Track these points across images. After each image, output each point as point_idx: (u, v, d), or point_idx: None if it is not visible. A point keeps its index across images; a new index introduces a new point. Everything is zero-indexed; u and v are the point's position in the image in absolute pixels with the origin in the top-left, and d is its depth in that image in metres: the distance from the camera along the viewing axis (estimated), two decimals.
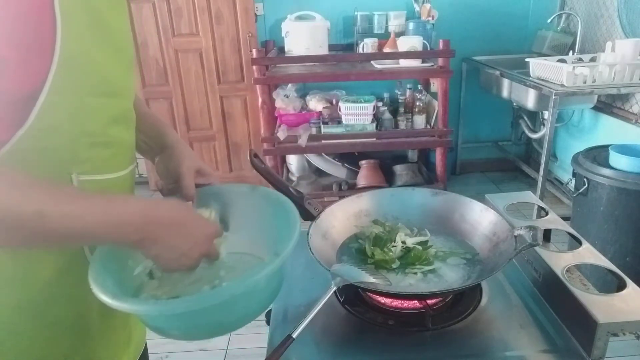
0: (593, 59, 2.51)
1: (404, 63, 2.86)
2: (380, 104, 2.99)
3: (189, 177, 0.75)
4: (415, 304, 0.81)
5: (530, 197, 1.12)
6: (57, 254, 0.63)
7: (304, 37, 2.91)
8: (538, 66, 2.52)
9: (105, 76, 0.62)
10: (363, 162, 3.07)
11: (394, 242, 0.90)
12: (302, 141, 2.80)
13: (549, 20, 2.93)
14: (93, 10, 0.58)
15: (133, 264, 0.69)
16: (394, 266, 0.86)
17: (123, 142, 0.71)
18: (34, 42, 0.52)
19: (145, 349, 0.88)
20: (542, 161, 2.51)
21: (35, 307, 0.63)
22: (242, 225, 0.78)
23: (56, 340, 0.66)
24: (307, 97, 3.07)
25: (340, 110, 2.85)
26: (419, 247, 0.89)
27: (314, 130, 2.87)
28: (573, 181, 2.17)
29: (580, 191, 2.07)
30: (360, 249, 0.91)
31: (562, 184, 3.03)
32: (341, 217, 0.96)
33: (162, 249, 0.60)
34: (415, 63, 2.86)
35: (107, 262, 0.63)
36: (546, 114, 2.60)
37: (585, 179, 2.03)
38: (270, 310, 0.86)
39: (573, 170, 2.13)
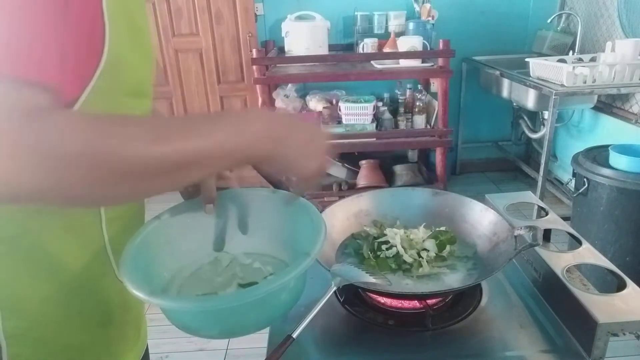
0: (593, 59, 2.51)
1: (404, 63, 2.86)
2: (380, 104, 2.98)
3: (210, 179, 0.76)
4: (415, 304, 0.81)
5: (530, 197, 1.12)
6: (81, 249, 0.65)
7: (304, 37, 2.91)
8: (538, 66, 2.52)
9: (139, 77, 0.64)
10: (363, 162, 3.07)
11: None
12: None
13: (549, 20, 2.93)
14: (129, 14, 0.60)
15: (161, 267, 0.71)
16: (393, 267, 0.86)
17: None
18: (87, 47, 0.53)
19: (147, 349, 0.89)
20: (542, 161, 2.51)
21: (61, 298, 0.65)
22: (261, 227, 0.79)
23: (80, 330, 0.69)
24: (307, 97, 3.07)
25: (340, 110, 2.85)
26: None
27: None
28: (573, 181, 2.17)
29: (580, 191, 2.07)
30: (360, 249, 0.91)
31: (562, 184, 3.03)
32: (341, 217, 0.96)
33: (290, 149, 0.61)
34: (415, 63, 2.86)
35: (137, 264, 0.64)
36: (546, 114, 2.60)
37: (585, 179, 2.03)
38: None
39: (573, 170, 2.13)
